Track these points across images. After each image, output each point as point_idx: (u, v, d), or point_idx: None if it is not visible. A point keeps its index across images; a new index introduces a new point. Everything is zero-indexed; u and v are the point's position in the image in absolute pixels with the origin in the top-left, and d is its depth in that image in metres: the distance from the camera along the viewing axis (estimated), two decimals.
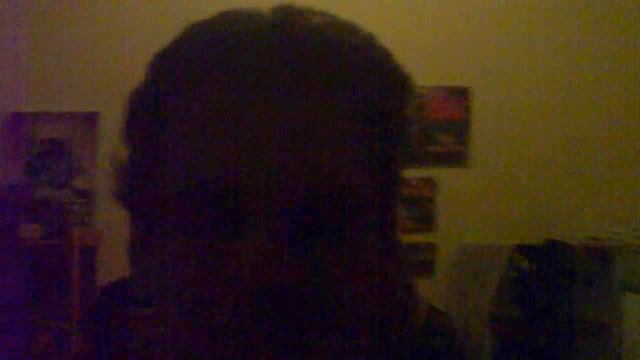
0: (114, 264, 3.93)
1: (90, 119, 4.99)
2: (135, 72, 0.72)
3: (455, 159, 5.15)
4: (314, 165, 0.61)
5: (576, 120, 5.09)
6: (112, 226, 4.56)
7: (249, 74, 0.63)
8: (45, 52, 5.11)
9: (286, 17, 0.66)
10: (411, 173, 5.01)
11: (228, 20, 0.67)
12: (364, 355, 0.65)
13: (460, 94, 5.19)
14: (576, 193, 5.00)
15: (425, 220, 5.06)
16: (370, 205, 0.65)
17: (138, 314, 0.69)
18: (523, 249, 4.67)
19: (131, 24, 4.83)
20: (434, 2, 5.21)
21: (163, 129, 0.66)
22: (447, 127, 5.17)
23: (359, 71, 0.66)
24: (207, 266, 0.61)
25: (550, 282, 4.58)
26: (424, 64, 4.96)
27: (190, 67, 0.65)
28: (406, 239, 4.92)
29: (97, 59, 4.89)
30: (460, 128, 5.18)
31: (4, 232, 4.60)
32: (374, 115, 0.67)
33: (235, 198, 0.61)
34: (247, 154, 0.61)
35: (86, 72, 4.96)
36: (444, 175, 5.08)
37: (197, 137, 0.63)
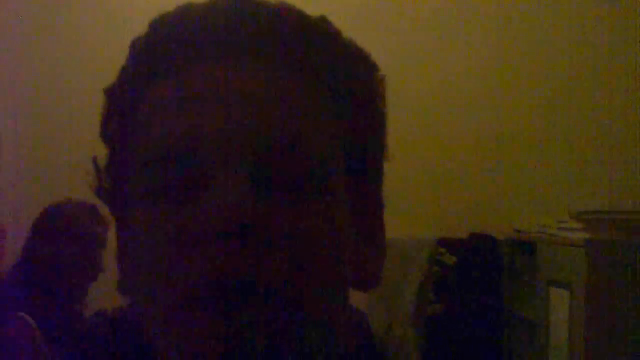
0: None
1: None
2: None
3: None
4: (270, 123, 0.65)
5: (499, 110, 5.00)
6: (12, 218, 4.39)
7: (210, 50, 0.68)
8: None
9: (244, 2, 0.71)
10: None
11: (190, 7, 0.72)
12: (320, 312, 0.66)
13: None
14: (500, 185, 4.92)
15: None
16: (335, 176, 0.69)
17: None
18: (446, 243, 4.59)
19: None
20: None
21: (136, 121, 0.71)
22: None
23: (317, 41, 0.72)
24: (175, 227, 0.64)
25: (475, 277, 4.53)
26: None
27: (158, 52, 0.71)
28: None
29: None
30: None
31: None
32: (337, 82, 0.72)
33: (197, 160, 0.64)
34: (205, 117, 0.65)
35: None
36: None
37: (164, 112, 0.68)
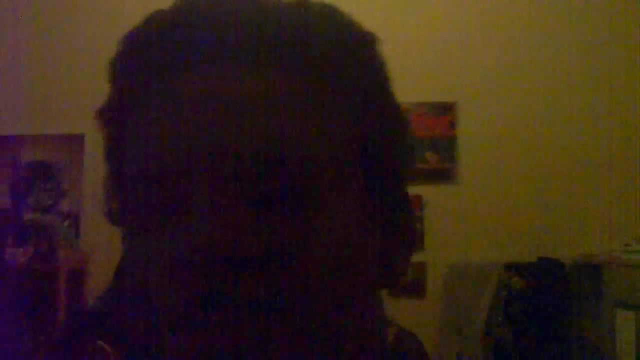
0: (102, 286, 3.88)
1: (75, 141, 4.94)
2: None
3: (442, 176, 5.12)
4: (258, 133, 0.60)
5: (566, 135, 5.08)
6: (99, 248, 4.55)
7: (200, 54, 0.63)
8: (29, 75, 5.08)
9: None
10: None
11: (181, 6, 0.67)
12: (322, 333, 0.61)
13: (445, 110, 5.17)
14: (566, 209, 4.98)
15: None
16: (345, 179, 0.64)
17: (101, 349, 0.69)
18: (514, 267, 4.64)
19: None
20: (417, 18, 5.21)
21: (125, 140, 0.67)
22: (433, 143, 5.14)
23: (316, 39, 0.65)
24: (163, 248, 0.60)
25: (543, 300, 4.55)
26: (408, 80, 4.97)
27: (151, 52, 0.65)
28: None
29: (82, 80, 4.85)
30: (446, 144, 5.15)
31: None
32: (340, 79, 0.65)
33: (183, 175, 0.60)
34: (190, 131, 0.60)
35: (71, 94, 4.94)
36: (431, 192, 5.04)
37: (152, 124, 0.63)
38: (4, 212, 4.84)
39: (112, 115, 0.69)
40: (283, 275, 0.59)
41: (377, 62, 0.69)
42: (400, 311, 4.65)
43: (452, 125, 5.16)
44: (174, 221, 0.60)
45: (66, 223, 4.88)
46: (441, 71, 5.14)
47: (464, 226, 4.99)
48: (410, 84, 4.97)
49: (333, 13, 0.68)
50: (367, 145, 0.66)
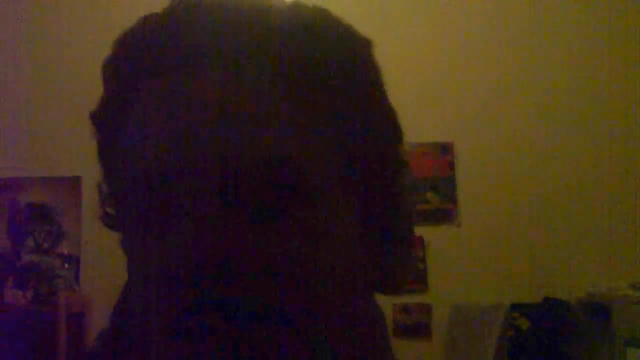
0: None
1: (73, 184, 4.93)
2: None
3: (444, 216, 5.09)
4: (244, 142, 0.60)
5: (568, 173, 5.06)
6: (99, 292, 4.49)
7: (192, 57, 0.63)
8: (26, 118, 5.08)
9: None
10: None
11: (174, 10, 0.66)
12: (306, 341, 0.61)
13: (444, 150, 5.16)
14: (570, 248, 4.94)
15: (418, 280, 4.98)
16: (329, 184, 0.63)
17: None
18: (519, 308, 4.61)
19: None
20: (414, 58, 5.21)
21: (118, 145, 0.67)
22: (433, 184, 5.11)
23: (306, 47, 0.65)
24: (151, 257, 0.60)
25: (549, 340, 4.52)
26: (406, 120, 4.95)
27: (143, 55, 0.65)
28: (400, 300, 4.85)
29: (80, 123, 4.83)
30: (446, 185, 5.13)
31: None
32: (329, 87, 0.65)
33: (169, 184, 0.60)
34: (177, 138, 0.60)
35: (68, 137, 4.92)
36: (433, 233, 5.00)
37: (142, 128, 0.63)
38: (3, 254, 4.80)
39: (105, 118, 0.69)
40: (272, 285, 0.58)
41: (370, 65, 0.69)
42: (406, 352, 4.62)
43: (451, 165, 5.13)
44: (164, 228, 0.60)
45: (66, 266, 4.83)
46: (438, 111, 5.13)
47: (468, 267, 4.95)
48: (408, 124, 4.96)
49: (326, 16, 0.68)
50: (359, 149, 0.66)
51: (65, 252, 4.95)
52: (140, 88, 0.65)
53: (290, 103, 0.62)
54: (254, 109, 0.61)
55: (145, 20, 0.67)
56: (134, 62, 0.66)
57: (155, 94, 0.63)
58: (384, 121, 0.70)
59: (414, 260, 0.76)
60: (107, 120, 0.68)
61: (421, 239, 4.98)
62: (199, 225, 0.58)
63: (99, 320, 4.32)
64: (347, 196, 0.65)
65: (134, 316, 0.64)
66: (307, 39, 0.65)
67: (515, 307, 4.60)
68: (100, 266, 4.55)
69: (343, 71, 0.66)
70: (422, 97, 5.10)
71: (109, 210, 0.71)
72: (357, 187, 0.66)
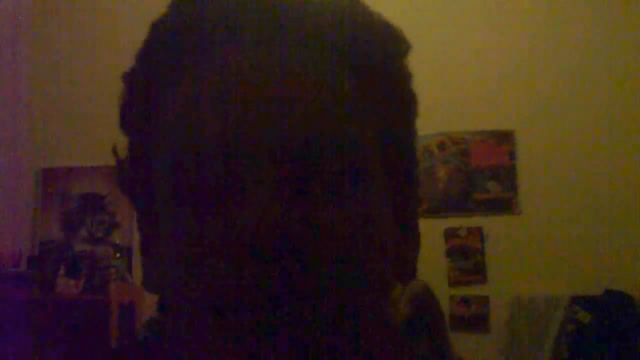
0: None
1: None
2: None
3: (504, 206, 4.98)
4: (308, 119, 0.60)
5: (633, 163, 4.90)
6: None
7: (242, 35, 0.63)
8: (78, 107, 5.10)
9: None
10: (459, 222, 4.89)
11: None
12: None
13: (504, 138, 5.04)
14: (634, 240, 4.77)
15: (476, 271, 4.88)
16: (375, 167, 0.64)
17: None
18: (580, 300, 4.49)
19: None
20: (475, 45, 5.10)
21: (158, 107, 0.66)
22: (493, 173, 5.01)
23: (350, 28, 0.66)
24: (211, 233, 0.59)
25: (611, 334, 4.40)
26: (466, 108, 4.87)
27: (182, 35, 0.65)
28: (458, 292, 4.79)
29: None
30: (507, 174, 5.01)
31: (43, 287, 4.50)
32: (370, 72, 0.66)
33: (231, 159, 0.59)
34: (238, 113, 0.59)
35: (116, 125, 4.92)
36: (493, 224, 4.92)
37: (192, 104, 0.62)
38: (56, 244, 4.83)
39: (142, 85, 0.67)
40: (330, 263, 0.58)
41: (402, 56, 0.70)
42: (465, 346, 4.53)
43: (512, 154, 5.02)
44: (223, 204, 0.59)
45: (118, 255, 4.83)
46: (499, 98, 5.03)
47: (528, 258, 4.83)
48: (468, 112, 4.88)
49: (359, 3, 0.69)
50: (386, 135, 0.67)
51: (118, 241, 4.97)
52: (197, 55, 0.64)
53: (343, 83, 0.63)
54: (316, 88, 0.61)
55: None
56: (194, 27, 0.65)
57: (214, 66, 0.62)
58: (410, 111, 0.71)
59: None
60: (151, 82, 0.67)
61: (479, 229, 4.89)
62: (265, 200, 0.57)
63: (150, 310, 4.32)
64: (383, 180, 0.66)
65: (169, 289, 0.63)
66: (356, 23, 0.66)
67: (576, 300, 4.48)
68: None
69: (385, 57, 0.68)
70: (481, 85, 5.01)
71: (127, 175, 0.70)
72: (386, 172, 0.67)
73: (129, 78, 0.69)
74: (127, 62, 0.70)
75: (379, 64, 0.67)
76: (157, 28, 0.67)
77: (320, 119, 0.60)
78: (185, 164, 0.61)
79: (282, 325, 0.57)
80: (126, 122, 0.70)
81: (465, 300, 4.82)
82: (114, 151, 0.72)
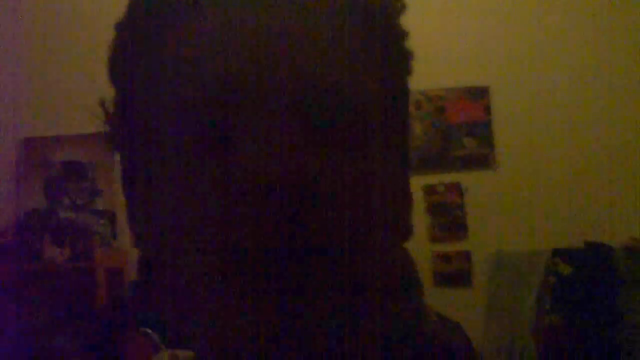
0: None
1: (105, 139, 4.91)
2: None
3: (481, 162, 5.01)
4: (314, 65, 0.59)
5: (609, 112, 4.93)
6: None
7: None
8: (57, 75, 5.07)
9: None
10: (437, 179, 4.91)
11: None
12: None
13: (480, 95, 5.05)
14: (613, 191, 4.84)
15: (457, 227, 4.93)
16: (380, 116, 0.64)
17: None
18: (561, 253, 4.52)
19: None
20: (449, 2, 5.10)
21: (156, 60, 0.63)
22: (469, 129, 5.04)
23: None
24: (214, 180, 0.57)
25: (592, 286, 4.44)
26: (440, 65, 4.87)
27: None
28: (439, 248, 4.82)
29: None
30: (483, 130, 5.04)
31: (28, 255, 4.50)
32: (372, 29, 0.66)
33: (236, 105, 0.58)
34: (243, 57, 0.58)
35: (100, 92, 4.89)
36: (471, 180, 4.95)
37: (195, 50, 0.60)
38: (40, 212, 4.82)
39: (137, 34, 0.66)
40: (337, 213, 0.57)
41: (399, 14, 0.71)
42: (447, 301, 4.57)
43: (487, 109, 5.03)
44: (230, 148, 0.58)
45: (102, 222, 4.83)
46: (473, 55, 5.03)
47: (508, 212, 4.87)
48: (443, 69, 4.88)
49: None
50: (384, 91, 0.66)
51: (101, 208, 4.96)
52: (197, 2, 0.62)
53: (350, 35, 0.63)
54: (320, 35, 0.61)
55: None
56: None
57: (217, 10, 0.61)
58: (407, 68, 0.71)
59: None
60: (146, 29, 0.65)
61: (458, 185, 4.92)
62: (276, 144, 0.56)
63: (136, 274, 4.33)
64: (387, 135, 0.65)
65: (169, 245, 0.61)
66: None
67: (557, 252, 4.51)
68: None
69: (389, 17, 0.69)
70: (455, 42, 5.01)
71: (115, 129, 0.69)
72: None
73: (122, 27, 0.68)
74: (108, 29, 0.70)
75: (379, 20, 0.67)
76: None
77: (331, 68, 0.60)
78: (189, 106, 0.59)
79: (303, 277, 0.56)
80: (116, 73, 0.68)
81: (446, 257, 4.87)
82: (102, 105, 0.71)
